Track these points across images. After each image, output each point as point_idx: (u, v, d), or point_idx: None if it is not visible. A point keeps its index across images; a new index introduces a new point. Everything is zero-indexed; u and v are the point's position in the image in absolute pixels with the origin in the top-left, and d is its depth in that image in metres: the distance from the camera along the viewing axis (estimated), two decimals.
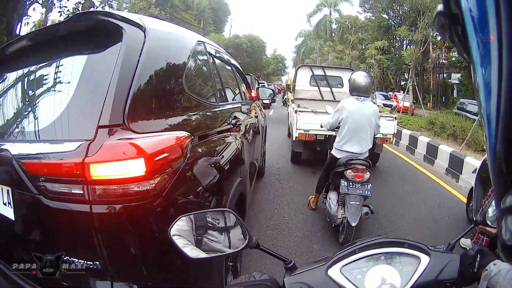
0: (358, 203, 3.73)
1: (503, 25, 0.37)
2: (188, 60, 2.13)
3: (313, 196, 4.91)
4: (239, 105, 3.61)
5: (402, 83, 37.09)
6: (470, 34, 0.41)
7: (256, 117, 4.75)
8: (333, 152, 4.22)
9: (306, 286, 0.97)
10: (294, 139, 7.00)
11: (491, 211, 1.15)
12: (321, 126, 4.97)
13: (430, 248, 1.04)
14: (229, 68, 3.83)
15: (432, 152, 8.65)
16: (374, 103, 4.49)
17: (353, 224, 3.66)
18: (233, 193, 2.35)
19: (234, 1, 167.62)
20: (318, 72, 9.35)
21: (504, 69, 0.37)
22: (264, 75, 59.26)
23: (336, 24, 35.82)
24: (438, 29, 0.49)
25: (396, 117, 7.07)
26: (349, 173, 3.78)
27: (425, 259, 1.01)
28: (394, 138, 7.30)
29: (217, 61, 3.12)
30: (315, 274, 1.01)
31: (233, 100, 3.46)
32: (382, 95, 26.98)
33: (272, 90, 5.54)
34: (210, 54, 2.81)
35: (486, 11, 0.38)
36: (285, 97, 25.26)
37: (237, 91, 3.94)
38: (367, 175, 3.79)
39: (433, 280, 0.98)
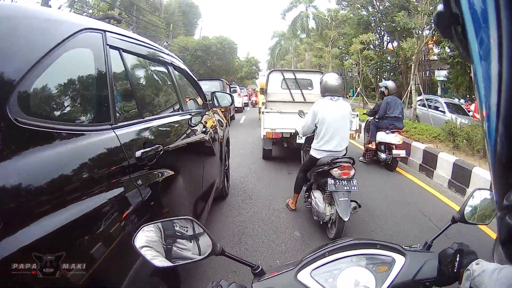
0: (347, 198, 3.98)
1: (503, 25, 0.38)
2: (42, 60, 1.28)
3: (290, 198, 5.22)
4: (178, 118, 2.82)
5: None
6: (470, 34, 0.43)
7: (213, 129, 4.10)
8: (312, 153, 4.50)
9: None
10: (262, 137, 7.96)
11: (468, 209, 1.21)
12: (296, 133, 5.80)
13: (405, 248, 1.06)
14: (160, 69, 2.92)
15: (461, 177, 6.40)
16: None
17: (346, 219, 3.87)
18: None
19: (206, 3, 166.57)
20: (289, 75, 10.09)
21: (504, 68, 0.39)
22: (238, 78, 58.62)
23: (314, 19, 33.96)
24: (438, 29, 0.51)
25: (358, 114, 7.89)
26: (335, 171, 4.04)
27: (400, 260, 1.02)
28: (357, 133, 8.17)
29: (132, 61, 2.25)
30: (284, 278, 1.01)
31: (161, 114, 2.63)
32: (449, 103, 15.20)
33: (230, 95, 4.91)
34: (117, 48, 1.96)
35: (486, 11, 0.40)
36: (251, 99, 29.14)
37: (174, 101, 3.07)
38: (352, 172, 4.07)
39: (411, 280, 0.98)
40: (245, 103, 29.07)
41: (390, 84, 8.18)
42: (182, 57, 39.92)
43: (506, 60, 0.38)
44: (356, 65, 23.37)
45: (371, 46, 30.24)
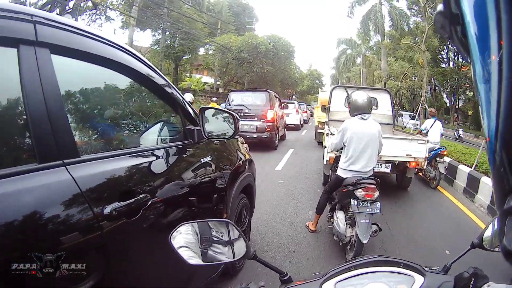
0: (368, 221, 4.24)
1: (503, 25, 0.41)
2: None
3: (311, 221, 5.64)
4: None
5: (460, 103, 33.83)
6: (470, 34, 0.46)
7: (193, 184, 2.76)
8: (339, 172, 4.90)
9: None
10: (325, 162, 7.78)
11: (487, 235, 1.35)
12: (324, 147, 7.36)
13: (425, 269, 1.18)
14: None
15: None
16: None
17: (364, 242, 4.16)
18: None
19: (264, 6, 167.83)
20: None
21: (504, 67, 0.42)
22: (298, 93, 56.97)
23: (390, 15, 29.91)
24: (438, 29, 0.54)
25: (428, 140, 7.71)
26: (359, 192, 4.30)
27: (419, 279, 1.13)
28: (426, 161, 7.76)
29: None
30: (309, 287, 1.15)
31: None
32: None
33: (233, 115, 3.19)
34: None
35: (486, 11, 0.43)
36: (313, 118, 28.61)
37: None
38: (376, 194, 4.31)
39: None
40: (304, 120, 30.52)
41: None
42: (222, 59, 37.48)
43: (506, 60, 0.40)
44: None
45: (444, 60, 27.38)
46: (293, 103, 27.19)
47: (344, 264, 1.17)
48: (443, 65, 25.80)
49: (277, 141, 14.72)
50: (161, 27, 35.98)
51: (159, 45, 36.46)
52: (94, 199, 1.70)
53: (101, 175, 1.82)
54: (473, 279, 1.06)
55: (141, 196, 2.01)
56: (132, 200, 1.93)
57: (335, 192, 5.00)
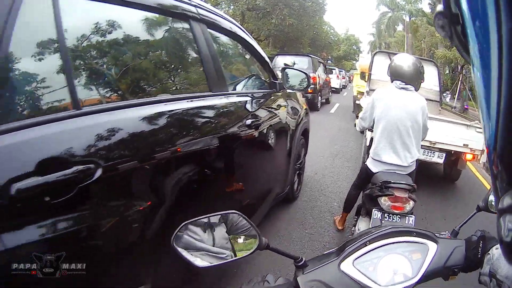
0: None
1: (503, 25, 0.41)
2: None
3: (340, 216, 4.77)
4: (194, 104, 2.36)
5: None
6: (470, 34, 0.47)
7: (278, 118, 3.91)
8: (368, 163, 3.87)
9: (320, 283, 1.11)
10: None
11: (492, 198, 1.42)
12: (355, 126, 5.97)
13: (437, 235, 1.24)
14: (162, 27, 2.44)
15: None
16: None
17: None
18: None
19: None
20: None
21: (504, 69, 0.42)
22: (334, 58, 57.09)
23: None
24: (437, 29, 0.56)
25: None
26: (384, 201, 3.30)
27: (433, 247, 1.19)
28: (482, 155, 6.45)
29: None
30: (328, 269, 1.15)
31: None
32: None
33: (307, 74, 4.54)
34: None
35: (486, 11, 0.42)
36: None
37: (197, 79, 2.75)
38: (409, 206, 3.29)
39: (442, 267, 1.16)
40: (343, 85, 36.30)
41: None
42: (234, 11, 31.32)
43: (506, 61, 0.41)
44: None
45: None
46: (334, 69, 32.90)
47: (359, 240, 1.20)
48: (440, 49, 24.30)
49: (319, 103, 16.61)
50: None
51: None
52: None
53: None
54: (481, 242, 1.15)
55: (243, 124, 2.96)
56: (240, 125, 2.90)
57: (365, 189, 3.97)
